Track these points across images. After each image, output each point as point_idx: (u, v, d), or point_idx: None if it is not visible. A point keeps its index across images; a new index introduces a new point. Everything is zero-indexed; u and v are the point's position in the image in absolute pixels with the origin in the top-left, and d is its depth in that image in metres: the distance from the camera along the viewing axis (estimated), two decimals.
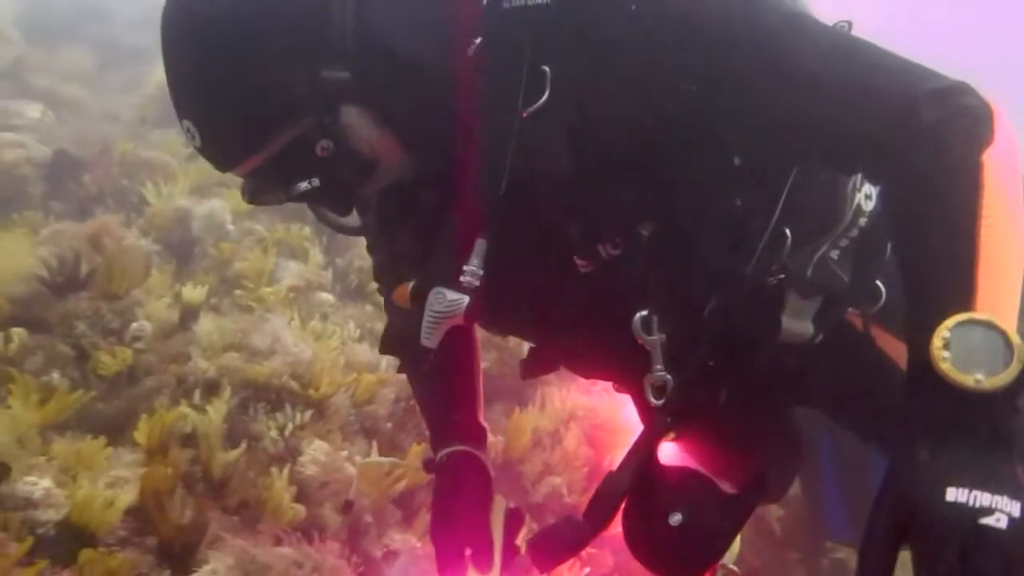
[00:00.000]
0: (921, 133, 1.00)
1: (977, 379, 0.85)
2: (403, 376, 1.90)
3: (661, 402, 1.24)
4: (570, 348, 1.42)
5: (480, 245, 1.20)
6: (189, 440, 2.60)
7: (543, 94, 1.13)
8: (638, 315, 1.23)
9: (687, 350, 1.25)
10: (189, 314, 2.97)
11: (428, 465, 1.56)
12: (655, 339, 1.23)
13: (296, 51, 1.12)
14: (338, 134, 1.16)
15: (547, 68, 1.12)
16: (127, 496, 2.22)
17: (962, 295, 0.90)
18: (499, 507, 1.48)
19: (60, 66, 7.29)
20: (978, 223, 0.93)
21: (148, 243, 4.04)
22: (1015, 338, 0.86)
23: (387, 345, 1.54)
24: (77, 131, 5.36)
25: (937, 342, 0.87)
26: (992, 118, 1.01)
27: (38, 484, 2.18)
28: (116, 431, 2.59)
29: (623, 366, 1.35)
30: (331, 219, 1.33)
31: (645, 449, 1.23)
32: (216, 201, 4.68)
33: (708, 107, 1.11)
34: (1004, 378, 0.85)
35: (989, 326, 0.87)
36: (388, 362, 3.24)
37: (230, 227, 4.59)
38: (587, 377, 1.59)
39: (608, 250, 1.21)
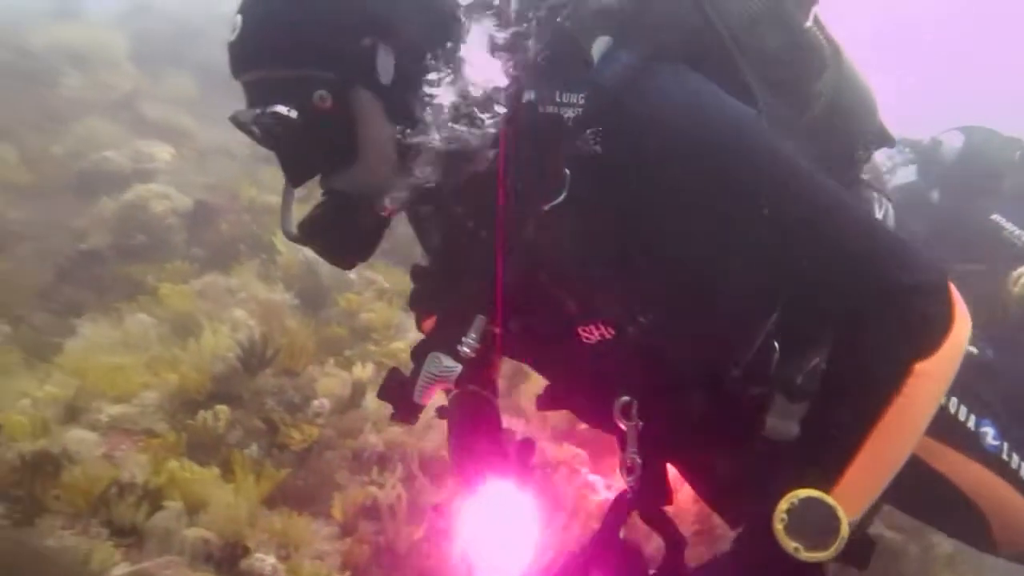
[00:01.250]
0: (875, 327, 1.12)
1: (796, 547, 1.04)
2: None
3: (630, 480, 1.33)
4: (572, 399, 1.52)
5: (480, 321, 1.28)
6: (369, 512, 2.94)
7: (561, 193, 1.21)
8: (620, 400, 1.32)
9: (663, 440, 1.33)
10: (359, 389, 3.30)
11: (440, 411, 1.63)
12: (632, 424, 1.32)
13: (370, 20, 1.18)
14: (343, 101, 1.19)
15: (568, 171, 1.21)
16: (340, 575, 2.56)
17: (828, 474, 1.07)
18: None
19: (166, 93, 7.69)
20: (876, 423, 1.08)
21: (290, 297, 4.40)
22: (845, 531, 1.04)
23: (383, 392, 1.51)
24: (205, 173, 5.73)
25: (784, 504, 1.05)
26: (948, 330, 1.11)
27: (265, 560, 2.53)
28: (308, 503, 2.94)
29: (610, 433, 1.44)
30: (282, 217, 1.32)
31: (610, 527, 1.34)
32: None
33: (723, 233, 1.19)
34: (818, 557, 1.04)
35: (832, 512, 1.04)
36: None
37: (352, 276, 4.92)
38: (587, 424, 1.67)
39: (605, 330, 1.28)
